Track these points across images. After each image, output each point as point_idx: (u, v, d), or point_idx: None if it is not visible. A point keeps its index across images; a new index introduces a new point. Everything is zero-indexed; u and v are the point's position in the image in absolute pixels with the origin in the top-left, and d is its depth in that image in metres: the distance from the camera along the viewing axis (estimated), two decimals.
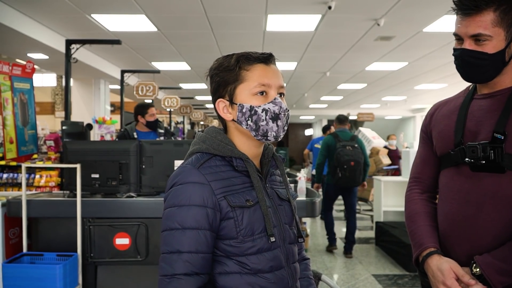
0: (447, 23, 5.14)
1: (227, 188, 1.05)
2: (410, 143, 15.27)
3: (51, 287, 2.74)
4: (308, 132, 24.82)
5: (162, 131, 4.25)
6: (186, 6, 4.60)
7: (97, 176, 3.18)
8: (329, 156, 4.85)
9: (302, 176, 3.68)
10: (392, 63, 7.80)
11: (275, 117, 1.07)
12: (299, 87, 11.15)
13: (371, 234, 5.97)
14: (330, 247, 5.19)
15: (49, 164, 3.85)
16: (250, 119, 1.07)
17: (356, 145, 4.76)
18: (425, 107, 16.20)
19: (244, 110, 1.07)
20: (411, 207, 1.44)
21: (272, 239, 1.06)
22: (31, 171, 4.81)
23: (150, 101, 9.22)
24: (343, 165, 4.65)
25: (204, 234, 1.01)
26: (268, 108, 1.07)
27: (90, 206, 3.03)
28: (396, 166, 6.91)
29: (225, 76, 1.09)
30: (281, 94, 1.12)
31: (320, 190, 5.28)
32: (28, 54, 6.23)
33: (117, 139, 4.21)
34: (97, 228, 3.06)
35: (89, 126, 5.55)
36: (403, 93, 12.36)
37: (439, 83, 10.37)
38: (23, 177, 3.15)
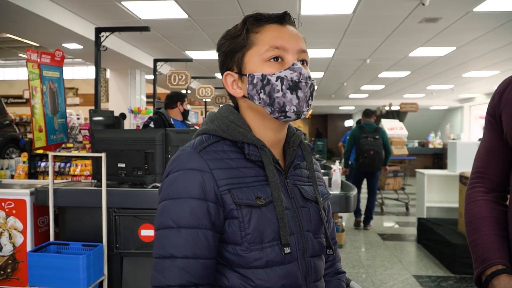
0: (500, 1, 4.73)
1: (234, 180, 0.85)
2: (457, 135, 14.63)
3: (75, 277, 2.73)
4: (348, 123, 24.31)
5: (189, 122, 4.22)
6: None
7: (123, 165, 3.15)
8: (355, 145, 5.77)
9: (337, 168, 3.51)
10: (438, 48, 7.36)
11: (294, 87, 0.86)
12: (338, 76, 10.84)
13: (413, 230, 5.68)
14: (356, 222, 6.10)
15: (75, 153, 3.86)
16: (262, 91, 0.87)
17: (377, 137, 5.69)
18: (474, 96, 15.38)
19: (255, 81, 0.88)
20: (473, 210, 1.16)
21: (287, 250, 0.84)
22: (67, 160, 4.91)
23: (184, 91, 9.28)
24: (364, 153, 5.64)
25: (205, 235, 0.82)
26: (285, 76, 0.86)
27: (115, 196, 3.00)
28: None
29: (231, 43, 0.90)
30: (303, 62, 0.91)
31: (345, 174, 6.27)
32: (63, 44, 6.35)
33: (151, 124, 4.18)
34: (122, 219, 3.03)
35: (123, 116, 5.58)
36: (450, 81, 11.74)
37: (491, 70, 9.74)
38: (50, 165, 3.16)
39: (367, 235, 5.60)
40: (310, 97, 0.90)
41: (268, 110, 0.88)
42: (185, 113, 4.22)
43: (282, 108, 0.86)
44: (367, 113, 6.02)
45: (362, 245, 5.08)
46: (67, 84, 15.16)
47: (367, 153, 5.63)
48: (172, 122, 4.15)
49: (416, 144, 13.91)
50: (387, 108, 15.20)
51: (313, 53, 7.89)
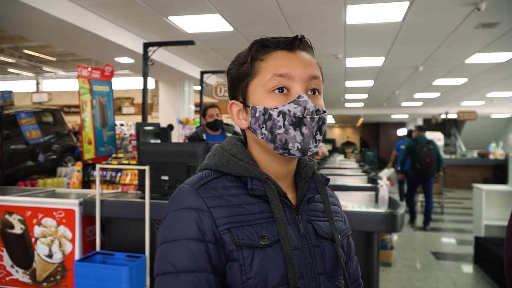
0: None
1: (235, 218, 0.78)
2: None
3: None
4: (401, 132, 23.46)
5: (229, 134, 4.17)
6: (259, 2, 4.51)
7: (166, 178, 3.20)
8: (410, 155, 6.79)
9: (384, 183, 3.36)
10: (497, 53, 6.94)
11: (298, 123, 0.78)
12: (389, 84, 10.52)
13: (469, 250, 5.34)
14: (411, 222, 7.02)
15: (121, 165, 4.00)
16: (264, 126, 0.80)
17: (431, 147, 6.65)
18: None
19: (257, 115, 0.81)
20: None
21: None
22: (117, 170, 5.11)
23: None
24: (420, 161, 6.58)
25: (206, 279, 0.74)
26: (288, 111, 0.78)
27: (158, 209, 3.06)
28: None
29: (238, 71, 0.85)
30: (314, 91, 0.83)
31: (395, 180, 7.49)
32: (116, 59, 6.65)
33: (187, 140, 4.25)
34: None
35: (170, 127, 5.74)
36: None
37: None
38: (97, 177, 3.30)
39: (419, 253, 5.33)
40: (318, 132, 0.82)
41: (271, 146, 0.82)
42: (211, 125, 4.08)
43: (285, 146, 0.80)
44: (421, 128, 7.10)
45: (413, 265, 4.84)
46: (124, 94, 15.89)
47: (423, 161, 6.57)
48: (204, 137, 4.09)
49: (475, 155, 13.16)
50: (443, 116, 14.52)
51: (361, 61, 7.72)
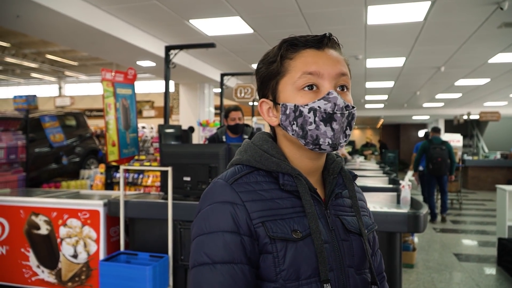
0: None
1: (268, 212, 0.80)
2: None
3: (142, 287, 2.85)
4: (422, 133, 23.13)
5: (246, 136, 4.15)
6: (279, 4, 4.52)
7: (188, 179, 3.24)
8: (426, 155, 7.30)
9: (406, 184, 3.32)
10: None
11: (328, 118, 0.80)
12: (410, 84, 10.40)
13: (493, 251, 5.23)
14: (431, 221, 7.41)
15: (143, 167, 4.06)
16: (295, 122, 0.83)
17: (444, 148, 7.15)
18: None
19: (287, 112, 0.83)
20: None
21: (327, 286, 0.78)
22: (140, 171, 5.19)
23: (251, 103, 9.40)
24: (433, 160, 7.15)
25: (242, 270, 0.76)
26: (318, 107, 0.80)
27: (181, 209, 3.10)
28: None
29: (267, 70, 0.86)
30: (343, 88, 0.85)
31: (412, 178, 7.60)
32: (137, 62, 6.76)
33: (207, 142, 4.27)
34: (187, 231, 3.12)
35: (191, 129, 5.81)
36: None
37: None
38: (121, 179, 3.35)
39: (441, 254, 5.25)
40: (348, 127, 0.84)
41: (302, 142, 0.84)
42: (232, 128, 4.05)
43: (316, 141, 0.82)
44: (436, 129, 7.55)
45: (436, 266, 4.77)
46: (144, 98, 16.10)
47: (435, 160, 7.13)
48: (224, 139, 4.07)
49: (498, 156, 12.87)
50: (465, 117, 14.25)
51: (382, 62, 7.65)
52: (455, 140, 9.70)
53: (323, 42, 0.84)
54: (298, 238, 0.79)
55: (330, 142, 0.81)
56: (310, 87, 0.82)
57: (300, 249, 0.79)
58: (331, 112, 0.80)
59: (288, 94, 0.84)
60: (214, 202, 0.81)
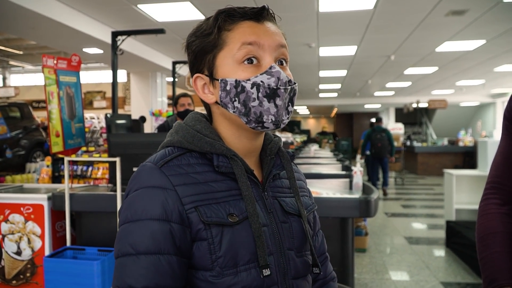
0: None
1: (202, 196, 0.75)
2: (490, 132, 14.13)
3: (89, 283, 2.74)
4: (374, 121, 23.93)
5: None
6: None
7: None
8: (370, 141, 8.93)
9: (358, 170, 3.38)
10: (466, 41, 7.09)
11: (272, 94, 0.76)
12: (362, 73, 10.63)
13: (441, 234, 5.48)
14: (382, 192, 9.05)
15: (91, 158, 3.90)
16: (236, 99, 0.77)
17: (383, 134, 8.77)
18: (507, 91, 14.79)
19: (228, 88, 0.78)
20: (485, 224, 1.04)
21: (266, 272, 0.75)
22: (89, 163, 4.98)
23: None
24: (374, 145, 8.82)
25: (168, 261, 0.71)
26: (261, 82, 0.76)
27: None
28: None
29: (202, 43, 0.80)
30: (281, 62, 0.81)
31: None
32: (84, 49, 6.46)
33: (157, 131, 4.15)
34: None
35: (143, 119, 5.62)
36: (480, 76, 11.32)
37: None
38: (65, 170, 3.20)
39: (392, 238, 5.43)
40: (290, 104, 0.81)
41: (243, 120, 0.79)
42: (181, 114, 3.94)
43: (259, 119, 0.77)
44: (378, 119, 9.24)
45: (387, 249, 4.92)
46: (95, 88, 15.52)
47: (376, 145, 8.77)
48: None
49: (445, 142, 13.50)
50: (414, 105, 14.81)
51: (334, 51, 7.75)
52: (398, 128, 11.96)
53: (262, 14, 0.81)
54: (234, 222, 0.75)
55: (273, 119, 0.77)
56: (250, 60, 0.78)
57: (237, 234, 0.75)
58: (275, 87, 0.76)
59: (228, 69, 0.78)
60: (141, 187, 0.75)
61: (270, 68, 0.77)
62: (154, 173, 0.75)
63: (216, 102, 0.82)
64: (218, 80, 0.80)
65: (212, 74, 0.81)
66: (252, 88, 0.76)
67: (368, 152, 9.30)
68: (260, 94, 0.76)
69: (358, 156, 9.38)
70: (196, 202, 0.74)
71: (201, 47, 0.81)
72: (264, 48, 0.78)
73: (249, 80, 0.77)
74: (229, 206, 0.77)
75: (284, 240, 0.82)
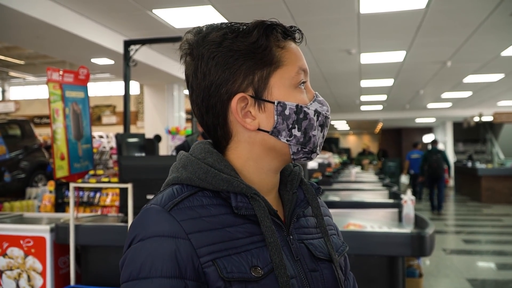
0: None
1: (220, 246, 0.72)
2: None
3: None
4: (427, 138, 23.42)
5: None
6: None
7: (152, 197, 3.18)
8: (427, 162, 11.00)
9: (409, 199, 3.32)
10: None
11: (323, 124, 0.82)
12: (412, 82, 10.58)
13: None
14: (432, 211, 10.95)
15: (98, 184, 3.99)
16: (296, 126, 0.78)
17: (439, 155, 10.84)
18: None
19: (287, 112, 0.77)
20: None
21: None
22: (97, 189, 5.09)
23: None
24: (430, 166, 10.79)
25: None
26: (319, 110, 0.81)
27: None
28: None
29: (247, 54, 0.77)
30: None
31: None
32: (92, 60, 6.69)
33: (174, 153, 4.22)
34: None
35: (158, 138, 5.73)
36: None
37: None
38: (71, 199, 3.28)
39: (453, 281, 5.29)
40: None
41: (293, 150, 0.80)
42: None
43: (314, 149, 0.81)
44: (434, 141, 11.58)
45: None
46: (104, 102, 15.94)
47: (432, 165, 10.72)
48: None
49: None
50: (476, 119, 14.52)
51: (378, 57, 7.75)
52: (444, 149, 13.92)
53: (302, 36, 0.84)
54: (259, 276, 0.72)
55: (318, 150, 0.83)
56: (302, 85, 0.81)
57: None
58: (326, 115, 0.82)
59: (284, 91, 0.79)
60: (147, 237, 0.71)
61: (316, 96, 0.82)
62: (162, 218, 0.72)
63: (260, 129, 0.79)
64: (270, 102, 0.78)
65: (260, 95, 0.78)
66: (314, 115, 0.80)
67: (412, 172, 11.64)
68: (317, 123, 0.80)
69: (404, 177, 11.42)
70: (214, 253, 0.71)
71: (248, 60, 0.77)
72: (307, 75, 0.82)
73: (310, 105, 0.80)
74: (251, 256, 0.74)
75: None
